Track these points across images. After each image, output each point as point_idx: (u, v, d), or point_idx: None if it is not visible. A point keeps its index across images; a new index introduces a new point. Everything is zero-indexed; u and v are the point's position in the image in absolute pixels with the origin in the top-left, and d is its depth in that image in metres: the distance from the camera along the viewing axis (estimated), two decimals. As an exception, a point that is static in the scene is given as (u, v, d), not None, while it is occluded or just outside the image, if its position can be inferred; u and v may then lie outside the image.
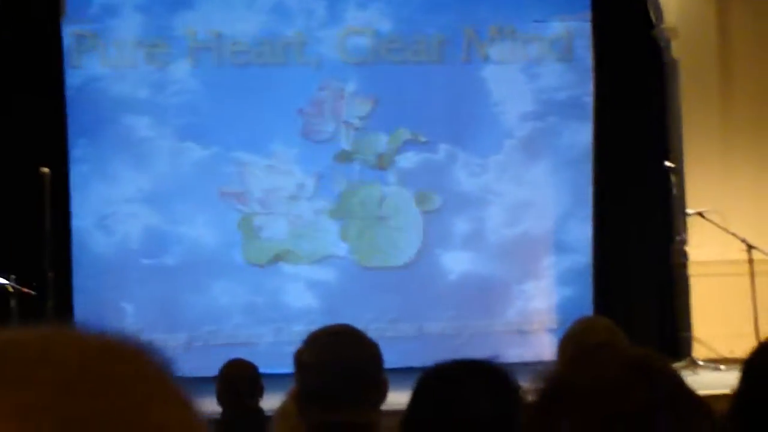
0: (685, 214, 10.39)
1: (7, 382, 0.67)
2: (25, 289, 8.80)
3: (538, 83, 11.19)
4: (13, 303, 8.72)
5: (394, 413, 2.51)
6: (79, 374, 0.68)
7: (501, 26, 11.18)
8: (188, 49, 10.85)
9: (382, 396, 3.16)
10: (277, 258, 10.81)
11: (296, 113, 10.86)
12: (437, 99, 11.02)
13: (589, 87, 11.13)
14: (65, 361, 0.69)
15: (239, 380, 5.59)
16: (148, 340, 0.74)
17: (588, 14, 11.21)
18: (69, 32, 10.65)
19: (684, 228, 10.44)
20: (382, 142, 10.98)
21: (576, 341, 3.48)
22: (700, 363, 9.65)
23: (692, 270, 10.51)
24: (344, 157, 10.93)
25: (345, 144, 10.94)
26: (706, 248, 10.38)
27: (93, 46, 10.74)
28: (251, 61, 10.90)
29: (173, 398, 0.72)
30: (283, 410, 4.25)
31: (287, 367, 3.33)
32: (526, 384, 1.27)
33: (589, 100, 11.15)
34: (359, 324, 3.35)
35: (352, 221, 10.94)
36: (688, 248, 10.40)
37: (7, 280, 8.80)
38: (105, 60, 10.75)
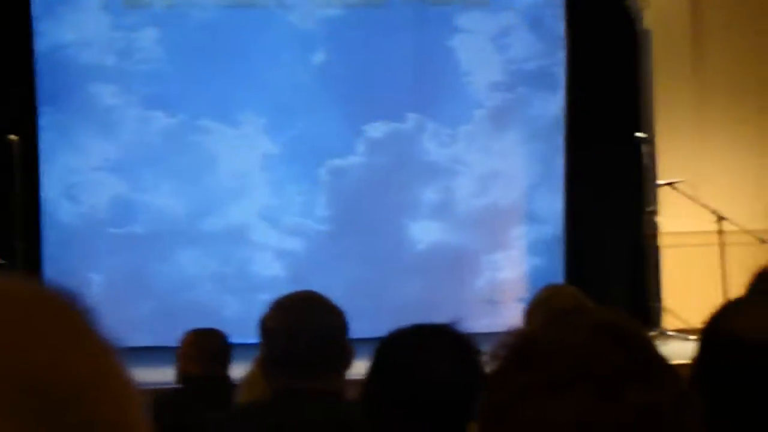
0: (656, 185, 10.41)
1: None
2: (-5, 259, 8.77)
3: (507, 53, 11.17)
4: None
5: (360, 383, 2.49)
6: None
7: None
8: (155, 16, 10.79)
9: (347, 363, 3.16)
10: (245, 228, 10.79)
11: (264, 82, 10.80)
12: (405, 68, 10.98)
13: (560, 57, 11.12)
14: None
15: (206, 348, 5.57)
16: (70, 289, 0.72)
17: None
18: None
19: (654, 199, 10.46)
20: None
21: (542, 308, 3.49)
22: (670, 333, 9.70)
23: (663, 241, 10.54)
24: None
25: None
26: (677, 219, 10.42)
27: (60, 12, 10.64)
28: (219, 25, 10.84)
29: (80, 344, 0.69)
30: (249, 377, 4.24)
31: (255, 336, 3.31)
32: (491, 348, 1.25)
33: (559, 70, 11.13)
34: (326, 293, 3.33)
35: (320, 190, 10.92)
36: (658, 219, 10.43)
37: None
38: (72, 26, 10.67)
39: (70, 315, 0.71)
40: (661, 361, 1.18)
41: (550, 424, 1.09)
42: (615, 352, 1.14)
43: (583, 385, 1.11)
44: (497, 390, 1.16)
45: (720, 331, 2.01)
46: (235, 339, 5.76)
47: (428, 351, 2.42)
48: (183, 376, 5.58)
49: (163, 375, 6.28)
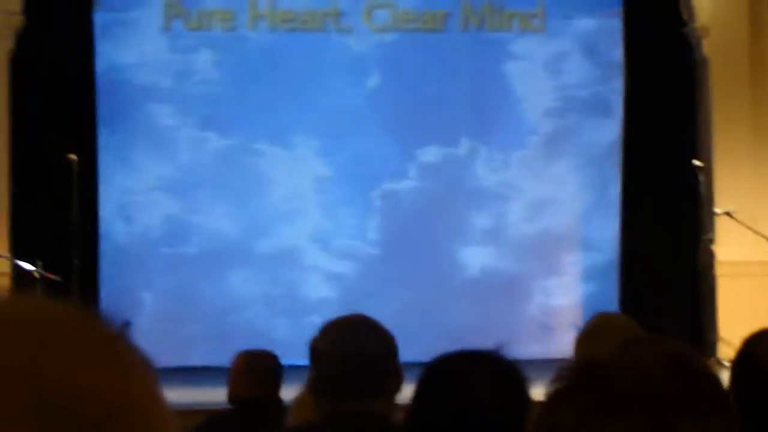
0: (712, 214, 10.32)
1: None
2: (51, 276, 8.85)
3: (562, 80, 11.15)
4: (39, 289, 8.76)
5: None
6: (14, 334, 0.68)
7: (528, 20, 11.17)
8: (213, 38, 10.92)
9: (396, 386, 3.15)
10: (297, 250, 10.83)
11: (319, 105, 10.87)
12: (459, 93, 10.99)
13: (615, 84, 11.09)
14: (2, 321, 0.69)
15: (257, 370, 5.58)
16: (109, 312, 0.73)
17: (619, 11, 11.16)
18: (99, 21, 10.70)
19: (711, 227, 10.37)
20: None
21: (593, 337, 3.46)
22: (725, 364, 9.59)
23: (719, 270, 10.44)
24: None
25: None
26: (734, 248, 10.31)
27: (121, 34, 10.79)
28: (275, 48, 10.94)
29: (110, 363, 0.70)
30: (299, 399, 4.24)
31: (305, 358, 3.32)
32: (558, 369, 1.26)
33: (614, 97, 11.11)
34: (376, 316, 3.33)
35: (372, 214, 10.95)
36: (715, 248, 10.33)
37: (33, 266, 8.84)
38: (131, 48, 10.81)
39: (106, 338, 0.72)
40: (719, 397, 1.19)
41: None
42: (677, 382, 1.14)
43: (640, 411, 1.12)
44: (562, 409, 1.16)
45: (751, 360, 2.00)
46: (284, 360, 5.77)
47: (471, 377, 2.42)
48: (234, 398, 5.59)
49: (215, 396, 6.30)
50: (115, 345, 0.71)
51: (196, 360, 10.01)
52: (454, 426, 2.35)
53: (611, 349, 1.25)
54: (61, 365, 0.67)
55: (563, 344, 10.37)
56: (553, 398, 1.17)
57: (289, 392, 5.26)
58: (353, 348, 3.09)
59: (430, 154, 10.99)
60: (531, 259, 11.03)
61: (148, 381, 0.72)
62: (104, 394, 0.68)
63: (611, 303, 10.60)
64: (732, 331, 10.33)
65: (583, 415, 1.11)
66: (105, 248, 10.61)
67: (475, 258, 10.98)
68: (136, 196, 10.76)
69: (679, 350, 1.21)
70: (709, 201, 10.46)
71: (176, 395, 7.48)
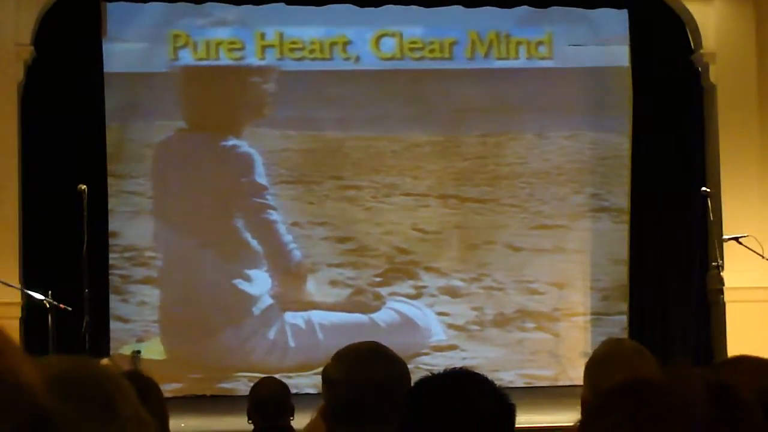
0: (721, 240, 10.32)
1: None
2: (62, 306, 8.86)
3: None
4: (50, 319, 8.77)
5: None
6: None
7: (535, 48, 11.23)
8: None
9: (409, 413, 3.16)
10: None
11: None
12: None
13: (621, 112, 11.17)
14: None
15: (269, 399, 5.60)
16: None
17: (626, 37, 11.21)
18: (109, 51, 10.77)
19: (720, 253, 10.36)
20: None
21: (603, 363, 3.47)
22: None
23: (728, 296, 10.43)
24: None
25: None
26: (742, 274, 10.30)
27: (132, 65, 10.86)
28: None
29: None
30: (311, 427, 4.25)
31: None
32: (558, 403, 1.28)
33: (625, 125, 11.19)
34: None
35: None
36: (724, 274, 10.32)
37: (44, 296, 8.86)
38: (143, 79, 10.89)
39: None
40: (759, 426, 1.20)
41: None
42: (719, 408, 1.16)
43: (672, 424, 1.14)
44: (605, 424, 1.18)
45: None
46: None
47: (463, 391, 2.47)
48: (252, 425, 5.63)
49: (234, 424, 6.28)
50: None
51: (207, 388, 10.06)
52: None
53: (657, 372, 1.26)
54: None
55: (573, 371, 10.39)
56: (593, 408, 1.19)
57: (301, 422, 5.29)
58: (367, 376, 3.10)
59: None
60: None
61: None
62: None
63: (619, 330, 10.61)
64: (742, 356, 10.31)
65: (618, 424, 1.13)
66: (114, 278, 10.66)
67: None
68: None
69: (722, 380, 1.23)
70: (718, 227, 10.46)
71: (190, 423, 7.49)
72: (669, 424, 1.13)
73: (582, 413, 3.40)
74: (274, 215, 10.90)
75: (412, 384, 2.62)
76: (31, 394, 0.73)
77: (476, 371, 2.55)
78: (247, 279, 10.80)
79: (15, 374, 0.73)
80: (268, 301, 10.83)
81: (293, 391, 5.90)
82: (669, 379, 1.20)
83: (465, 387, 2.50)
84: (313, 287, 10.86)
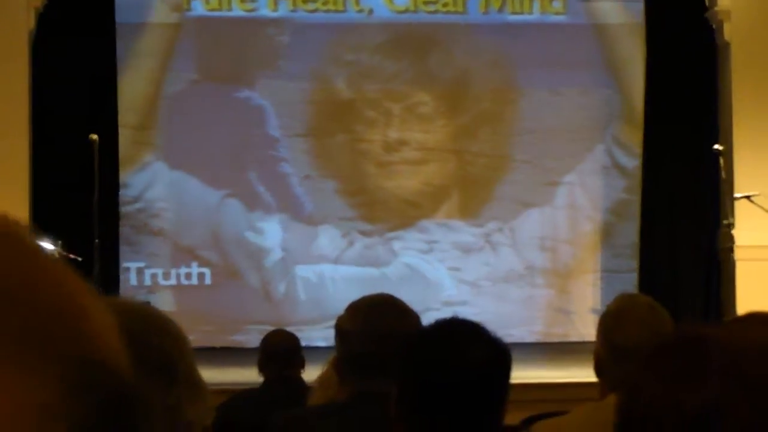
0: (732, 198, 10.29)
1: None
2: (72, 255, 8.88)
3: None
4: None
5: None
6: None
7: (549, 3, 11.17)
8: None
9: (421, 365, 3.16)
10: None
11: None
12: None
13: (635, 69, 11.12)
14: None
15: (280, 350, 5.63)
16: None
17: (640, -6, 11.14)
18: (121, 0, 10.74)
19: (732, 212, 10.34)
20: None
21: (617, 318, 3.47)
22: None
23: (739, 254, 10.42)
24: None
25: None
26: (754, 232, 10.28)
27: (144, 15, 10.83)
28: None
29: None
30: (322, 378, 4.27)
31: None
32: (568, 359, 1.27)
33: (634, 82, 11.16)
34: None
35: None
36: (735, 232, 10.30)
37: (54, 245, 8.88)
38: (156, 28, 10.86)
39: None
40: None
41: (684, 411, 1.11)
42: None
43: (734, 383, 1.13)
44: (654, 373, 1.17)
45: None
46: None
47: (455, 339, 2.48)
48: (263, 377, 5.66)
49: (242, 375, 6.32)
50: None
51: (218, 340, 10.10)
52: (444, 383, 2.40)
53: (710, 325, 1.25)
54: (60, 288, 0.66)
55: (583, 327, 10.41)
56: (647, 364, 1.18)
57: (312, 374, 5.31)
58: (379, 328, 3.11)
59: None
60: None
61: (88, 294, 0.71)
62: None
63: (631, 287, 10.61)
64: (751, 315, 10.31)
65: (675, 380, 1.13)
66: (125, 229, 10.68)
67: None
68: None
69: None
70: (730, 185, 10.43)
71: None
72: (718, 372, 1.12)
73: (596, 368, 3.42)
74: (287, 167, 10.89)
75: (418, 333, 2.63)
76: (116, 365, 0.68)
77: (470, 320, 2.56)
78: (259, 231, 10.82)
79: (96, 340, 0.68)
80: (279, 253, 10.84)
81: (304, 343, 5.92)
82: (723, 331, 1.19)
83: (456, 336, 2.50)
84: (325, 241, 10.87)
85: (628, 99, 11.16)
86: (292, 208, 10.86)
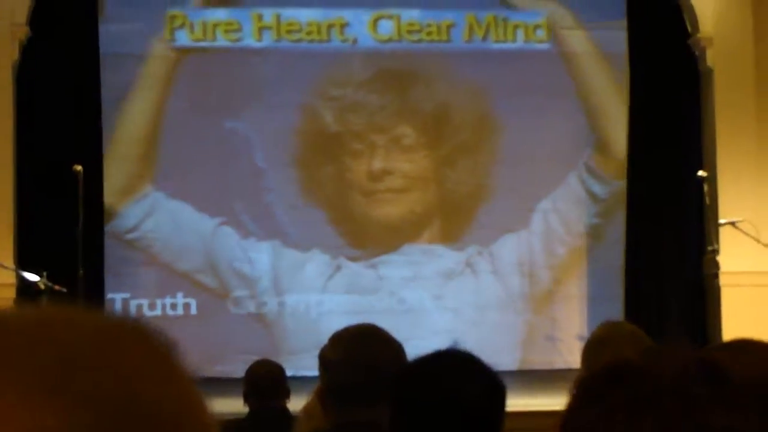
0: (717, 224, 10.32)
1: (8, 360, 0.67)
2: (57, 287, 8.85)
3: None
4: (44, 300, 8.76)
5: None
6: (78, 351, 0.68)
7: (533, 31, 11.23)
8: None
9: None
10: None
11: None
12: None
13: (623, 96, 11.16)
14: (64, 339, 0.68)
15: (265, 380, 5.61)
16: (149, 322, 0.73)
17: (623, 22, 11.19)
18: (106, 32, 10.74)
19: (716, 238, 10.37)
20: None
21: (600, 346, 3.47)
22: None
23: (724, 280, 10.44)
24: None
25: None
26: (739, 258, 10.31)
27: (128, 46, 10.83)
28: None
29: (170, 376, 0.71)
30: (307, 409, 4.26)
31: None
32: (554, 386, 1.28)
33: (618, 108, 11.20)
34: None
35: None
36: (720, 258, 10.33)
37: (38, 277, 8.85)
38: (140, 59, 10.86)
39: (161, 349, 0.72)
40: (748, 396, 1.20)
41: None
42: (702, 379, 1.15)
43: (669, 408, 1.13)
44: (589, 407, 1.17)
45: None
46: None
47: (455, 372, 2.47)
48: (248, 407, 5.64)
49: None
50: (170, 357, 0.72)
51: (203, 371, 10.07)
52: (438, 418, 2.39)
53: (640, 352, 1.25)
54: (125, 379, 0.67)
55: (569, 355, 10.40)
56: (580, 396, 1.18)
57: (297, 403, 5.29)
58: (363, 357, 3.10)
59: None
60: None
61: (199, 393, 0.72)
62: (168, 408, 0.68)
63: (617, 314, 10.61)
64: (737, 341, 10.32)
65: (611, 411, 1.13)
66: (110, 259, 10.65)
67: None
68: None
69: (706, 353, 1.22)
70: (714, 211, 10.46)
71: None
72: (662, 406, 1.13)
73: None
74: (273, 197, 10.89)
75: (409, 364, 2.63)
76: None
77: (466, 351, 2.55)
78: (247, 261, 10.81)
79: None
80: (266, 283, 10.83)
81: (290, 373, 5.91)
82: (656, 360, 1.19)
83: (454, 369, 2.50)
84: (313, 267, 10.87)
85: (603, 127, 11.19)
86: (281, 236, 10.86)
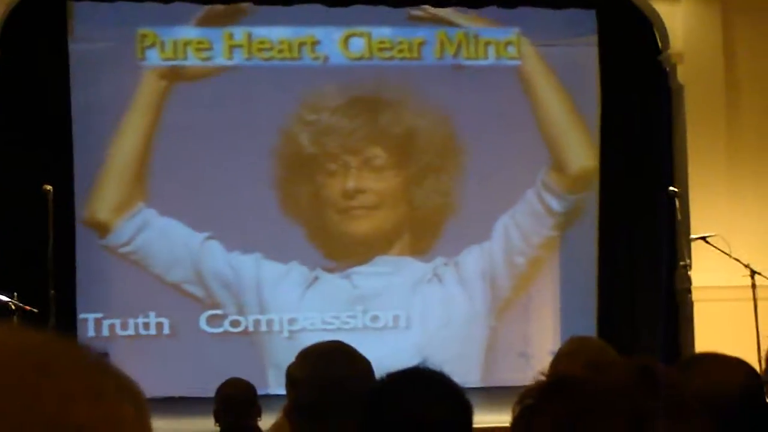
0: (689, 239, 10.36)
1: None
2: (27, 307, 8.79)
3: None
4: (15, 321, 8.70)
5: None
6: (4, 373, 0.66)
7: (504, 48, 11.27)
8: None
9: (373, 412, 3.14)
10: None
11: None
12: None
13: (590, 111, 11.21)
14: None
15: (236, 399, 5.58)
16: (82, 340, 0.72)
17: (594, 39, 11.24)
18: (76, 51, 10.71)
19: (688, 253, 10.41)
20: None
21: (568, 360, 3.47)
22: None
23: (696, 295, 10.48)
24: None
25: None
26: (710, 273, 10.35)
27: (99, 65, 10.80)
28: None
29: (100, 395, 0.69)
30: (276, 426, 4.24)
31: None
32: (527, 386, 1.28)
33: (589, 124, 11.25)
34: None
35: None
36: (692, 273, 10.37)
37: (9, 297, 8.79)
38: (110, 78, 10.82)
39: (97, 369, 0.71)
40: (691, 402, 1.20)
41: None
42: (648, 391, 1.15)
43: (610, 421, 1.13)
44: (534, 421, 1.17)
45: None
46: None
47: (422, 391, 2.46)
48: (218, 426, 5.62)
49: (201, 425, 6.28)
50: (100, 375, 0.71)
51: (175, 390, 10.02)
52: None
53: (582, 367, 1.26)
54: (61, 398, 0.66)
55: (539, 369, 10.40)
56: (525, 411, 1.17)
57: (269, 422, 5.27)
58: (329, 375, 3.09)
59: None
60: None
61: (140, 412, 0.71)
62: (98, 428, 0.67)
63: (590, 330, 10.62)
64: (710, 355, 10.34)
65: (555, 426, 1.12)
66: (81, 279, 10.60)
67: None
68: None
69: (646, 364, 1.22)
70: (686, 227, 10.50)
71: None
72: (607, 418, 1.12)
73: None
74: (249, 216, 10.90)
75: (374, 385, 2.61)
76: None
77: (434, 369, 2.54)
78: (231, 272, 10.83)
79: None
80: (250, 293, 10.85)
81: (262, 391, 5.88)
82: (595, 373, 1.19)
83: (422, 387, 2.49)
84: (291, 279, 10.92)
85: (560, 144, 11.23)
86: (262, 250, 10.87)
